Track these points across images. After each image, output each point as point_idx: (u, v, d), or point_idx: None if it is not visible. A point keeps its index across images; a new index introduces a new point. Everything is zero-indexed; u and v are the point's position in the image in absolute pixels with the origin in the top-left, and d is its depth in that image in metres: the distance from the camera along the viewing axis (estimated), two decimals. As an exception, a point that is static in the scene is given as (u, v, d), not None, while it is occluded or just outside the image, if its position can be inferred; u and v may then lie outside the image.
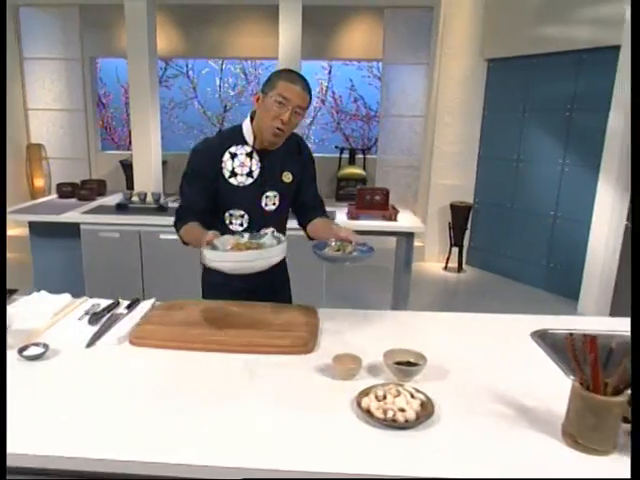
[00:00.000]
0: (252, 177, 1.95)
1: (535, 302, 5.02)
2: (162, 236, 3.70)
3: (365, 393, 1.27)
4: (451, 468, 1.07)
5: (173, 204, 4.08)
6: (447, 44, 5.81)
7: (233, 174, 1.93)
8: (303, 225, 2.11)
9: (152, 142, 6.47)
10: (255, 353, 1.53)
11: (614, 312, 4.31)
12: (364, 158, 8.22)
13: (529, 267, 5.41)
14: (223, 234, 1.72)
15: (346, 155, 8.26)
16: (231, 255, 1.60)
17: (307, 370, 1.45)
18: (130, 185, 7.09)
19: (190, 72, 10.05)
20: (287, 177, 2.03)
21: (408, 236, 3.74)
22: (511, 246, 5.62)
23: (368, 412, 1.20)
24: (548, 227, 5.21)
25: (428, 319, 1.93)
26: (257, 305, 1.87)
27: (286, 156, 2.01)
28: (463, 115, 5.88)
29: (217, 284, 1.99)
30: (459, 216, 5.79)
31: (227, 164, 1.92)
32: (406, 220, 3.81)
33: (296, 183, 2.06)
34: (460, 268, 5.94)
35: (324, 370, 1.44)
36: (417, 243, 6.35)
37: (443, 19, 5.80)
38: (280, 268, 2.11)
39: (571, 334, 1.19)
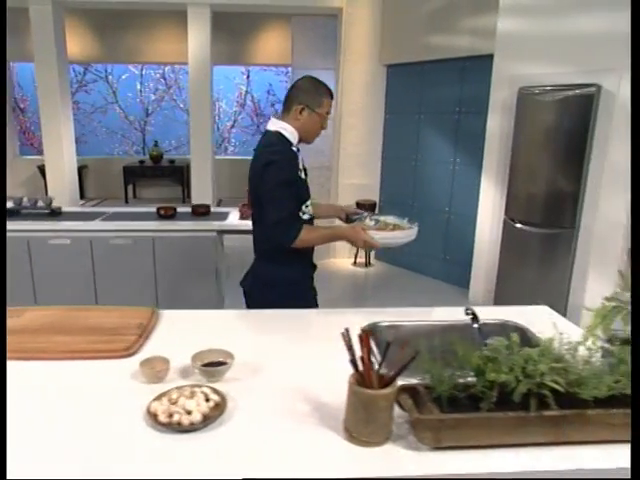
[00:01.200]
0: (305, 172, 2.22)
1: (433, 293, 5.19)
2: (51, 242, 3.58)
3: (160, 396, 1.26)
4: (231, 469, 1.08)
5: (77, 209, 3.96)
6: (349, 50, 5.90)
7: (301, 170, 2.16)
8: None
9: (64, 147, 6.25)
10: (76, 359, 1.50)
11: (497, 299, 4.50)
12: (282, 159, 8.22)
13: (429, 260, 5.59)
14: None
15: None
16: (400, 233, 2.09)
17: (121, 374, 1.44)
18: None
19: (110, 77, 9.76)
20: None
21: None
22: (413, 241, 5.76)
23: (154, 416, 1.19)
24: (443, 222, 5.40)
25: (268, 318, 1.95)
26: (95, 309, 1.84)
27: None
28: (366, 117, 5.99)
29: (296, 279, 2.21)
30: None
31: (300, 163, 2.15)
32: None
33: None
34: (368, 263, 6.05)
35: (136, 374, 1.42)
36: (328, 240, 6.45)
37: (344, 27, 5.87)
38: None
39: (347, 329, 1.22)
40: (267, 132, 2.19)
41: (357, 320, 1.68)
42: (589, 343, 1.27)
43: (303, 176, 2.17)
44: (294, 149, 2.12)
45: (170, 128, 9.12)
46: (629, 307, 1.30)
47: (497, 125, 4.45)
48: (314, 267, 2.36)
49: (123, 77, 9.81)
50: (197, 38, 6.14)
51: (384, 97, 5.94)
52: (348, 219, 2.46)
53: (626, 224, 3.75)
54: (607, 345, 1.33)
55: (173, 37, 7.69)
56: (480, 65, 4.74)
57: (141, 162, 7.77)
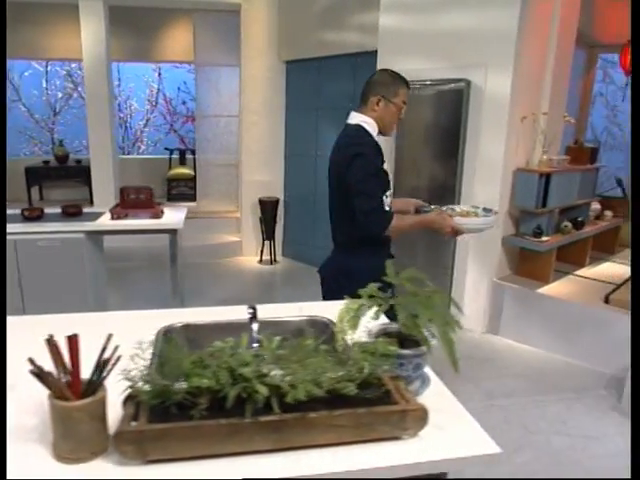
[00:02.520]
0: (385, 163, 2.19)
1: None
2: None
3: None
4: None
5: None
6: (248, 46, 5.76)
7: (384, 162, 2.16)
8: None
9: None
10: None
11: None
12: (194, 158, 7.97)
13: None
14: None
15: (177, 156, 7.97)
16: (482, 219, 2.24)
17: None
18: None
19: (9, 73, 9.18)
20: None
21: (173, 233, 3.59)
22: (317, 237, 5.70)
23: None
24: (342, 217, 5.32)
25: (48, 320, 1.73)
26: None
27: None
28: (267, 114, 5.87)
29: (378, 268, 1.96)
30: (267, 210, 5.77)
31: (382, 154, 2.15)
32: (172, 217, 3.65)
33: None
34: (274, 260, 5.93)
35: None
36: (235, 238, 6.30)
37: (243, 23, 5.71)
38: None
39: (51, 335, 1.07)
40: (347, 126, 2.23)
41: (156, 322, 1.55)
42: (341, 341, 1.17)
43: (385, 167, 2.18)
44: (376, 140, 2.14)
45: (80, 127, 8.67)
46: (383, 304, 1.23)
47: (382, 120, 4.41)
48: (392, 257, 2.31)
49: (26, 74, 9.25)
50: (91, 34, 5.81)
51: (284, 93, 5.83)
52: (417, 211, 2.47)
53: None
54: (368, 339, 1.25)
55: (74, 33, 7.28)
56: (369, 61, 4.69)
57: (45, 162, 7.32)
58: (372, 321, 1.30)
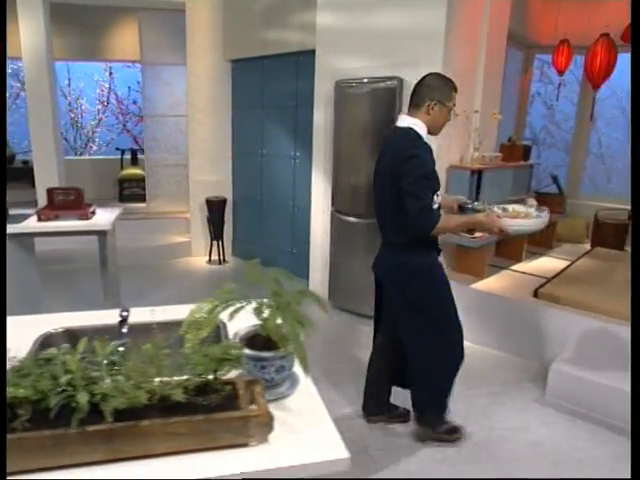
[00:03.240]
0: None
1: (286, 286, 5.04)
2: None
3: None
4: None
5: None
6: (193, 45, 5.65)
7: (434, 163, 2.23)
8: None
9: None
10: None
11: (332, 289, 4.44)
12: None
13: (278, 254, 5.47)
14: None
15: (129, 156, 7.78)
16: (530, 221, 2.25)
17: None
18: None
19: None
20: None
21: (102, 234, 3.47)
22: (265, 236, 5.65)
23: None
24: (289, 216, 5.30)
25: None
26: None
27: None
28: (214, 113, 5.77)
29: (428, 265, 2.39)
30: (215, 210, 5.68)
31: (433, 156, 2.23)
32: (102, 219, 3.53)
33: None
34: (223, 260, 5.83)
35: None
36: (184, 239, 6.18)
37: (188, 21, 5.59)
38: None
39: None
40: (397, 128, 2.31)
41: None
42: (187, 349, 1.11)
43: (436, 168, 2.26)
44: (428, 143, 2.22)
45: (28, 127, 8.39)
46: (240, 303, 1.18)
47: (322, 119, 4.39)
48: (440, 251, 2.47)
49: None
50: (31, 31, 5.61)
51: (230, 92, 5.74)
52: (460, 208, 2.52)
53: (430, 211, 3.78)
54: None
55: (14, 29, 7.03)
56: (311, 60, 4.65)
57: (-10, 164, 7.04)
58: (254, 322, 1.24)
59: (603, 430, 2.78)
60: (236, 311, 1.20)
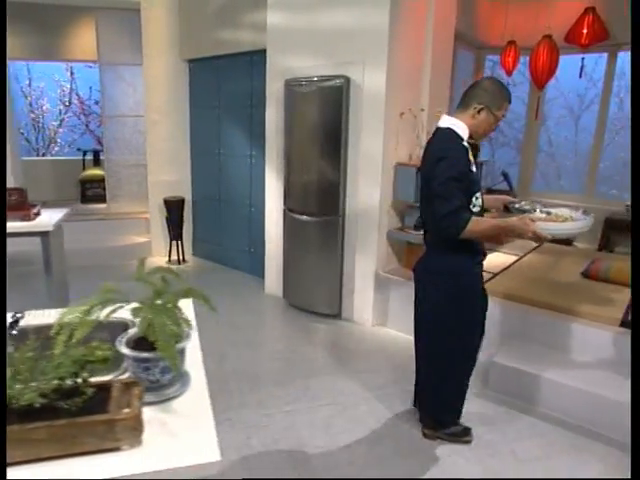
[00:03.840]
0: (475, 164, 2.20)
1: (239, 285, 5.01)
2: None
3: None
4: None
5: None
6: (150, 45, 5.53)
7: (473, 164, 2.17)
8: None
9: None
10: None
11: (286, 287, 4.39)
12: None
13: (237, 254, 5.41)
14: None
15: (91, 157, 7.61)
16: (568, 225, 2.17)
17: None
18: None
19: None
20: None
21: (44, 235, 3.36)
22: (224, 235, 5.57)
23: None
24: (247, 216, 5.23)
25: None
26: None
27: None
28: (171, 113, 5.67)
29: (460, 270, 2.30)
30: (173, 210, 5.57)
31: (470, 158, 2.15)
32: (47, 219, 3.42)
33: None
34: (183, 260, 5.74)
35: None
36: (144, 239, 6.05)
37: (144, 22, 5.47)
38: None
39: None
40: (438, 129, 2.25)
41: None
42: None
43: (474, 169, 2.18)
44: (465, 144, 2.14)
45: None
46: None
47: (273, 118, 4.34)
48: (484, 255, 2.39)
49: None
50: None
51: (188, 92, 5.64)
52: (506, 208, 2.49)
53: (378, 207, 3.76)
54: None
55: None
56: (263, 59, 4.58)
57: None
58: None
59: (541, 422, 2.79)
60: (114, 311, 1.14)
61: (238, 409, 2.88)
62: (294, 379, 3.23)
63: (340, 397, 3.01)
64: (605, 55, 5.11)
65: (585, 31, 4.52)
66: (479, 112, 2.14)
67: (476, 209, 2.21)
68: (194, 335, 1.46)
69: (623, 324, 3.06)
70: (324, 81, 3.80)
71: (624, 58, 5.15)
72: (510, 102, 2.19)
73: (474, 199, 2.20)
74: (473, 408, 2.90)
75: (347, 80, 3.71)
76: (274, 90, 4.27)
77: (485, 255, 2.41)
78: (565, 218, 2.26)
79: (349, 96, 3.75)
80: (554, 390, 2.86)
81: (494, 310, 3.40)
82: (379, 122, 3.63)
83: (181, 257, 5.75)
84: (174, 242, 5.70)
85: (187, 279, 5.00)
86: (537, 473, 2.40)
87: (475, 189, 2.21)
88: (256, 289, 4.84)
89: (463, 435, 2.62)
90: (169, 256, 5.76)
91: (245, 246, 5.31)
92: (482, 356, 3.39)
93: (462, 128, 2.16)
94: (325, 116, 3.85)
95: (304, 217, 4.10)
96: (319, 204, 4.01)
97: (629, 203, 4.88)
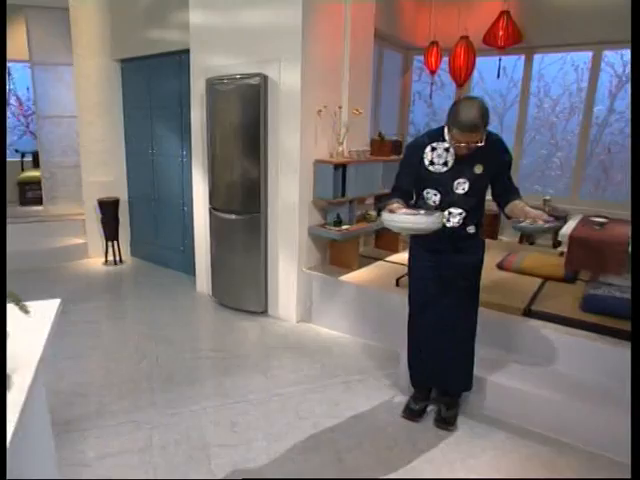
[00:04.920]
0: (447, 167, 2.30)
1: (173, 284, 4.86)
2: None
3: None
4: None
5: None
6: (80, 45, 5.31)
7: (431, 163, 2.33)
8: (502, 207, 2.41)
9: None
10: None
11: (214, 285, 4.27)
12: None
13: (171, 253, 5.25)
14: (423, 207, 2.36)
15: (30, 158, 7.27)
16: (391, 216, 2.19)
17: None
18: None
19: None
20: (478, 169, 2.28)
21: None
22: (160, 235, 5.40)
23: None
24: (180, 215, 5.07)
25: None
26: None
27: (482, 153, 2.23)
28: (104, 113, 5.46)
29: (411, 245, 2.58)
30: (107, 211, 5.36)
31: (427, 155, 2.33)
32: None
33: (488, 174, 2.31)
34: (120, 261, 5.53)
35: None
36: (80, 240, 5.81)
37: (74, 21, 5.24)
38: (470, 241, 2.44)
39: None
40: None
41: None
42: None
43: (431, 167, 2.33)
44: (426, 140, 2.33)
45: None
46: None
47: (198, 117, 4.21)
48: (440, 240, 2.40)
49: None
50: None
51: (120, 92, 5.43)
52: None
53: (298, 204, 3.68)
54: None
55: None
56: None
57: None
58: None
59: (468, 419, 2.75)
60: None
61: (146, 409, 2.75)
62: (209, 377, 3.11)
63: (251, 395, 2.90)
64: (523, 57, 5.17)
65: (501, 33, 4.56)
66: (448, 128, 2.23)
67: (430, 202, 2.38)
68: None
69: (525, 313, 3.08)
70: (242, 79, 3.68)
71: (539, 60, 5.24)
72: (460, 129, 2.12)
73: (425, 193, 2.39)
74: (382, 400, 2.86)
75: (264, 78, 3.61)
76: (198, 89, 4.13)
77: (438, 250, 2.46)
78: (417, 213, 2.25)
79: (267, 94, 3.65)
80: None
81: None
82: (296, 119, 3.55)
83: (118, 258, 5.54)
84: (110, 243, 5.49)
85: (122, 280, 4.82)
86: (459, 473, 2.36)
87: (427, 185, 2.37)
88: (188, 288, 4.69)
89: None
90: (106, 257, 5.54)
91: (180, 245, 5.15)
92: (402, 349, 3.37)
93: (446, 132, 2.25)
94: (244, 114, 3.74)
95: (228, 215, 3.98)
96: (242, 202, 3.90)
97: (547, 197, 4.95)
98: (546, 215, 2.23)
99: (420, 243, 2.51)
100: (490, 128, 2.28)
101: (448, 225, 2.36)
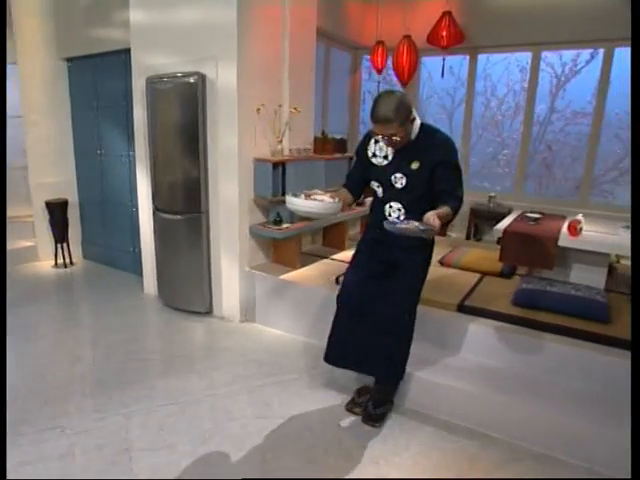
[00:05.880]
0: (387, 160, 2.33)
1: (120, 286, 4.70)
2: None
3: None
4: None
5: None
6: (23, 42, 5.10)
7: (374, 155, 2.37)
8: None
9: None
10: None
11: (160, 286, 4.16)
12: None
13: (121, 254, 5.10)
14: (374, 198, 2.47)
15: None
16: (291, 199, 2.33)
17: None
18: None
19: None
20: (414, 165, 2.25)
21: None
22: (110, 236, 5.24)
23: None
24: (129, 215, 4.92)
25: None
26: None
27: (422, 149, 2.23)
28: (51, 114, 5.26)
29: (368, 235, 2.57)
30: (56, 213, 5.17)
31: (371, 147, 2.38)
32: None
33: (426, 172, 2.23)
34: (70, 263, 5.35)
35: None
36: (29, 243, 5.61)
37: (16, 18, 5.03)
38: (411, 241, 2.24)
39: None
40: None
41: None
42: None
43: (374, 159, 2.37)
44: (372, 134, 2.27)
45: None
46: None
47: (140, 116, 4.09)
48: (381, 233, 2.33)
49: None
50: None
51: (68, 91, 5.24)
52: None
53: (238, 203, 3.59)
54: None
55: None
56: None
57: None
58: None
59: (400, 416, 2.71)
60: None
61: (73, 414, 2.63)
62: (142, 380, 3.00)
63: (183, 397, 2.81)
64: (467, 57, 5.18)
65: (444, 33, 4.55)
66: None
67: (378, 194, 2.43)
68: None
69: (459, 309, 3.06)
70: (180, 78, 3.58)
71: (485, 60, 5.27)
72: (373, 121, 2.14)
73: (372, 184, 2.44)
74: (314, 398, 2.80)
75: (202, 77, 3.51)
76: (139, 88, 4.01)
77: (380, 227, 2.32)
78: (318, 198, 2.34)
79: (205, 93, 3.55)
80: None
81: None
82: (233, 118, 3.46)
83: (68, 260, 5.36)
84: (60, 245, 5.30)
85: (70, 282, 4.63)
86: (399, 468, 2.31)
87: (372, 177, 2.41)
88: (136, 290, 4.56)
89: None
90: (55, 260, 5.35)
91: (129, 246, 5.01)
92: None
93: None
94: (183, 113, 3.63)
95: (171, 216, 3.87)
96: (183, 202, 3.79)
97: (492, 194, 4.98)
98: (436, 222, 2.01)
99: (367, 235, 2.59)
100: (440, 126, 2.32)
101: (389, 219, 2.31)
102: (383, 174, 2.34)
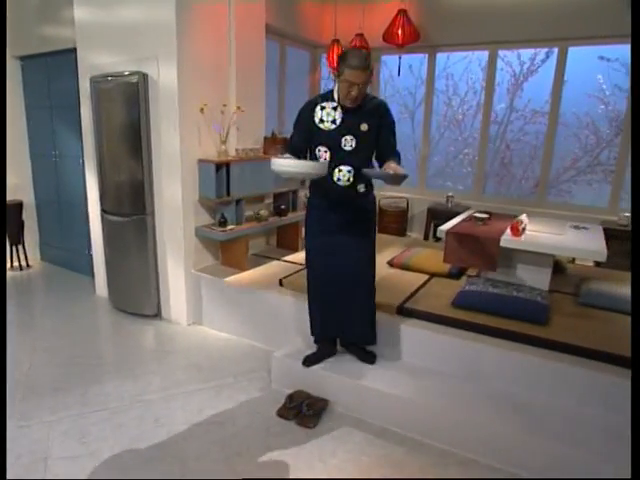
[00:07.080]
0: (335, 124, 2.43)
1: (72, 289, 4.64)
2: None
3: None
4: None
5: None
6: (-25, 40, 4.95)
7: (321, 121, 2.45)
8: (380, 167, 2.51)
9: None
10: None
11: (110, 289, 4.11)
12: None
13: (78, 256, 5.02)
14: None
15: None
16: (278, 160, 2.30)
17: None
18: None
19: None
20: (364, 127, 2.43)
21: None
22: (67, 238, 5.16)
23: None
24: (85, 217, 4.82)
25: None
26: None
27: (367, 113, 2.43)
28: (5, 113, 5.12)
29: (313, 203, 2.66)
30: (10, 214, 5.08)
31: (317, 114, 2.46)
32: None
33: (373, 133, 2.45)
34: (27, 265, 5.26)
35: None
36: (-15, 245, 5.48)
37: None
38: (361, 200, 2.58)
39: None
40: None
41: None
42: None
43: (321, 125, 2.44)
44: (318, 100, 2.47)
45: None
46: None
47: (87, 117, 4.02)
48: (332, 198, 2.55)
49: None
50: None
51: (22, 91, 5.14)
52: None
53: (182, 204, 3.55)
54: None
55: None
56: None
57: None
58: None
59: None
60: None
61: (-2, 423, 2.57)
62: (75, 386, 2.94)
63: (113, 403, 2.76)
64: (426, 55, 5.17)
65: (400, 32, 4.52)
66: (338, 78, 2.35)
67: (322, 160, 2.46)
68: None
69: (399, 311, 3.04)
70: (122, 77, 3.52)
71: (445, 58, 5.26)
72: (353, 67, 2.26)
73: (317, 151, 2.49)
74: (247, 404, 2.76)
75: (144, 76, 3.46)
76: (85, 87, 3.94)
77: (336, 200, 2.55)
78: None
79: (147, 92, 3.49)
80: (330, 382, 2.75)
81: (291, 304, 3.29)
82: (175, 118, 3.41)
83: (24, 263, 5.27)
84: (15, 248, 5.21)
85: (24, 285, 4.53)
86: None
87: (318, 142, 2.47)
88: (88, 292, 4.49)
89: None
90: (11, 262, 5.26)
91: (84, 248, 4.93)
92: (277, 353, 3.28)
93: (335, 91, 2.43)
94: (126, 113, 3.57)
95: (117, 218, 3.81)
96: (129, 203, 3.74)
97: (451, 194, 4.97)
98: (402, 170, 2.36)
99: (315, 202, 2.63)
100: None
101: (339, 183, 2.49)
102: (332, 138, 2.45)
